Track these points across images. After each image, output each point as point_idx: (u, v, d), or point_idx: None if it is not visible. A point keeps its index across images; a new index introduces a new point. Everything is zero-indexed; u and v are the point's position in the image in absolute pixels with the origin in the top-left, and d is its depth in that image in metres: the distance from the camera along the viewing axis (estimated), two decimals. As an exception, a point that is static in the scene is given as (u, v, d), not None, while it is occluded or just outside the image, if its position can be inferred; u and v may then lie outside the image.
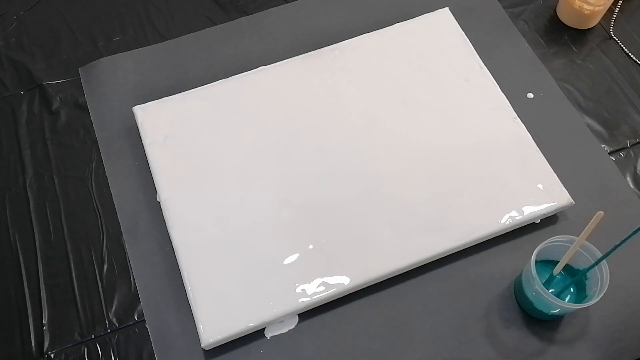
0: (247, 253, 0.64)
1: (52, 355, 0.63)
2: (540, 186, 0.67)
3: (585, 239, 0.56)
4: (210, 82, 0.74)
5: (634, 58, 0.81)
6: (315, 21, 0.82)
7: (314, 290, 0.62)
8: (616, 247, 0.53)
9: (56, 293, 0.66)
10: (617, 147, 0.74)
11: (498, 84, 0.74)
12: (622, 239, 0.52)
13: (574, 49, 0.82)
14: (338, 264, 0.63)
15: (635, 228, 0.51)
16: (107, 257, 0.67)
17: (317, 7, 0.84)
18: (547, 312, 0.60)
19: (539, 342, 0.62)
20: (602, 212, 0.53)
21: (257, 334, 0.62)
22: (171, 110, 0.72)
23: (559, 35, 0.83)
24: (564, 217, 0.68)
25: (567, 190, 0.67)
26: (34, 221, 0.69)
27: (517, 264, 0.65)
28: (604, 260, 0.57)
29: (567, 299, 0.61)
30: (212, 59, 0.79)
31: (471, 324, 0.63)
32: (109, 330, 0.64)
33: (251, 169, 0.68)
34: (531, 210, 0.66)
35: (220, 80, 0.74)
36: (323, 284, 0.62)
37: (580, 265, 0.60)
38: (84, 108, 0.76)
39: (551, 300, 0.56)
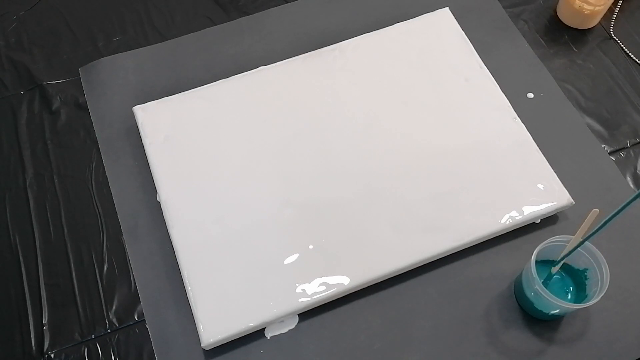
0: (247, 253, 0.64)
1: (52, 355, 0.63)
2: (540, 186, 0.67)
3: (582, 237, 0.56)
4: (210, 82, 0.74)
5: (634, 58, 0.81)
6: (315, 21, 0.82)
7: (314, 290, 0.62)
8: (609, 219, 0.52)
9: (56, 293, 0.66)
10: (617, 147, 0.74)
11: (498, 84, 0.74)
12: (615, 211, 0.51)
13: (574, 49, 0.82)
14: (338, 264, 0.63)
15: (633, 196, 0.49)
16: (107, 257, 0.67)
17: (317, 7, 0.84)
18: (547, 312, 0.60)
19: (539, 342, 0.62)
20: (597, 210, 0.53)
21: (257, 334, 0.62)
22: (171, 110, 0.72)
23: (559, 35, 0.83)
24: (564, 217, 0.68)
25: (567, 190, 0.67)
26: (34, 221, 0.70)
27: (517, 264, 0.65)
28: (604, 260, 0.57)
29: (567, 299, 0.61)
30: (212, 59, 0.79)
31: (471, 324, 0.63)
32: (109, 330, 0.64)
33: (251, 169, 0.68)
34: (531, 210, 0.66)
35: (220, 80, 0.74)
36: (323, 284, 0.62)
37: (580, 265, 0.60)
38: (84, 108, 0.76)
39: (551, 300, 0.56)
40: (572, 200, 0.66)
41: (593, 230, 0.54)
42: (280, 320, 0.62)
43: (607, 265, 0.57)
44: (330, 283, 0.62)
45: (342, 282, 0.62)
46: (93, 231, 0.69)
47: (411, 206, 0.66)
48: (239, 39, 0.81)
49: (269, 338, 0.62)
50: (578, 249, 0.58)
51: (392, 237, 0.64)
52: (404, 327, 0.62)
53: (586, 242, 0.57)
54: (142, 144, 0.71)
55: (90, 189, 0.71)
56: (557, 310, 0.60)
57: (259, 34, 0.81)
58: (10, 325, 0.64)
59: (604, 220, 0.52)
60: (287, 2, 0.85)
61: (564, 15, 0.83)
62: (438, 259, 0.65)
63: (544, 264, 0.61)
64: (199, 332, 0.60)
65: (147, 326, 0.63)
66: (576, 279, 0.62)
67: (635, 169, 0.73)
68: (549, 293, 0.56)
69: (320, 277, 0.62)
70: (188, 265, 0.63)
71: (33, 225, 0.69)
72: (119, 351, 0.63)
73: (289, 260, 0.63)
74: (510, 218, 0.65)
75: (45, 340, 0.63)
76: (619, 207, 0.50)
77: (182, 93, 0.73)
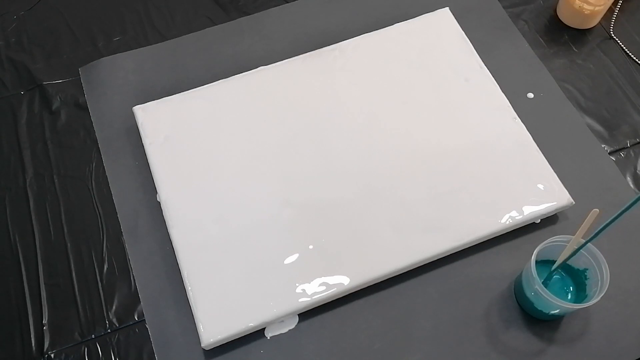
0: (247, 253, 0.64)
1: (52, 355, 0.63)
2: (540, 186, 0.67)
3: (582, 237, 0.56)
4: (210, 82, 0.74)
5: (634, 58, 0.81)
6: (315, 21, 0.82)
7: (314, 290, 0.62)
8: (611, 222, 0.52)
9: (56, 293, 0.66)
10: (617, 147, 0.74)
11: (498, 84, 0.74)
12: (617, 214, 0.51)
13: (574, 49, 0.82)
14: (338, 264, 0.63)
15: (635, 198, 0.48)
16: (107, 257, 0.67)
17: (317, 7, 0.84)
18: (547, 312, 0.60)
19: (539, 342, 0.62)
20: (597, 210, 0.53)
21: (257, 334, 0.62)
22: (171, 110, 0.72)
23: (559, 35, 0.83)
24: (564, 217, 0.68)
25: (567, 190, 0.67)
26: (34, 221, 0.69)
27: (517, 264, 0.65)
28: (604, 260, 0.57)
29: (567, 299, 0.61)
30: (212, 59, 0.79)
31: (471, 324, 0.63)
32: (109, 330, 0.64)
33: (251, 169, 0.68)
34: (531, 210, 0.66)
35: (220, 80, 0.74)
36: (323, 284, 0.62)
37: (580, 264, 0.60)
38: (84, 108, 0.76)
39: (551, 300, 0.56)
40: (572, 200, 0.66)
41: (594, 232, 0.54)
42: (280, 320, 0.62)
43: (607, 265, 0.57)
44: (330, 283, 0.62)
45: (342, 282, 0.62)
46: (93, 231, 0.69)
47: (411, 206, 0.66)
48: (239, 39, 0.81)
49: (269, 338, 0.62)
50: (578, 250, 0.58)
51: (392, 237, 0.64)
52: (404, 327, 0.62)
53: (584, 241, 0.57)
54: (142, 144, 0.71)
55: (90, 189, 0.71)
56: (557, 310, 0.60)
57: (259, 34, 0.81)
58: (10, 325, 0.64)
59: (606, 223, 0.52)
60: (287, 2, 0.85)
61: (564, 15, 0.83)
62: (438, 259, 0.65)
63: (544, 264, 0.61)
64: (199, 332, 0.60)
65: (147, 326, 0.63)
66: (576, 279, 0.62)
67: (635, 169, 0.73)
68: (549, 293, 0.56)
69: (320, 277, 0.62)
70: (188, 265, 0.63)
71: (33, 225, 0.69)
72: (119, 351, 0.63)
73: (289, 260, 0.63)
74: (510, 218, 0.65)
75: (45, 340, 0.63)
76: (621, 210, 0.50)
77: (182, 93, 0.73)
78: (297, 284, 0.62)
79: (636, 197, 0.48)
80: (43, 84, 0.78)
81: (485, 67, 0.75)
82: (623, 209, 0.49)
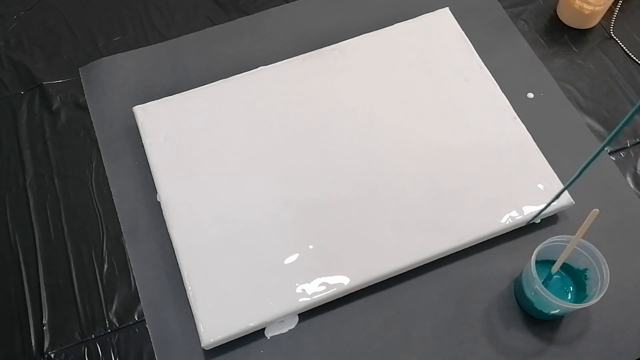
0: (247, 253, 0.64)
1: (52, 355, 0.63)
2: (540, 186, 0.67)
3: (582, 237, 0.56)
4: (210, 82, 0.74)
5: (634, 58, 0.81)
6: (315, 21, 0.82)
7: (314, 290, 0.62)
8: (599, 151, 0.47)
9: (56, 293, 0.66)
10: (617, 147, 0.74)
11: (498, 84, 0.74)
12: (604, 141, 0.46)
13: (574, 49, 0.82)
14: (338, 264, 0.63)
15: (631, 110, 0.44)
16: (107, 257, 0.67)
17: (317, 7, 0.84)
18: (547, 312, 0.60)
19: (539, 342, 0.62)
20: (597, 210, 0.53)
21: (257, 334, 0.62)
22: (171, 110, 0.72)
23: (559, 35, 0.83)
24: (564, 217, 0.68)
25: (567, 190, 0.67)
26: (34, 221, 0.70)
27: (517, 264, 0.65)
28: (604, 260, 0.57)
29: (567, 299, 0.61)
30: (212, 59, 0.79)
31: (471, 324, 0.63)
32: (109, 330, 0.64)
33: (251, 169, 0.68)
34: (531, 210, 0.66)
35: (220, 80, 0.74)
36: (323, 284, 0.62)
37: (580, 264, 0.60)
38: (84, 108, 0.76)
39: (551, 300, 0.56)
40: (572, 200, 0.66)
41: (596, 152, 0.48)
42: (280, 320, 0.62)
43: (607, 265, 0.57)
44: (330, 283, 0.62)
45: (342, 282, 0.62)
46: (93, 231, 0.69)
47: (411, 206, 0.66)
48: (239, 39, 0.81)
49: (269, 338, 0.62)
50: (577, 248, 0.58)
51: (392, 237, 0.64)
52: (404, 327, 0.62)
53: (585, 241, 0.57)
54: (142, 144, 0.71)
55: (90, 189, 0.71)
56: (557, 310, 0.60)
57: (259, 34, 0.81)
58: (10, 325, 0.64)
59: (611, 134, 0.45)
60: (287, 2, 0.85)
61: (564, 15, 0.83)
62: (438, 259, 0.65)
63: (544, 264, 0.61)
64: (199, 332, 0.60)
65: (147, 326, 0.63)
66: (576, 279, 0.62)
67: (635, 169, 0.73)
68: (549, 293, 0.56)
69: (320, 277, 0.62)
70: (188, 265, 0.63)
71: (33, 225, 0.69)
72: (119, 351, 0.63)
73: (289, 260, 0.63)
74: (510, 218, 0.65)
75: (45, 340, 0.63)
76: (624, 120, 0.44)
77: (182, 93, 0.73)
78: (297, 284, 0.62)
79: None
80: (43, 84, 0.78)
81: (485, 67, 0.75)
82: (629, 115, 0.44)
